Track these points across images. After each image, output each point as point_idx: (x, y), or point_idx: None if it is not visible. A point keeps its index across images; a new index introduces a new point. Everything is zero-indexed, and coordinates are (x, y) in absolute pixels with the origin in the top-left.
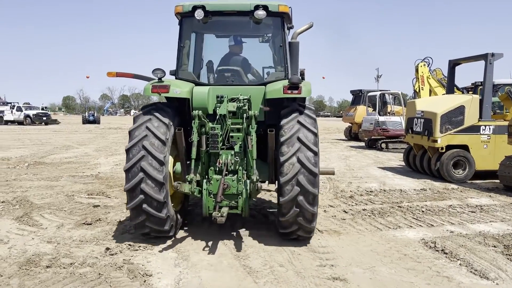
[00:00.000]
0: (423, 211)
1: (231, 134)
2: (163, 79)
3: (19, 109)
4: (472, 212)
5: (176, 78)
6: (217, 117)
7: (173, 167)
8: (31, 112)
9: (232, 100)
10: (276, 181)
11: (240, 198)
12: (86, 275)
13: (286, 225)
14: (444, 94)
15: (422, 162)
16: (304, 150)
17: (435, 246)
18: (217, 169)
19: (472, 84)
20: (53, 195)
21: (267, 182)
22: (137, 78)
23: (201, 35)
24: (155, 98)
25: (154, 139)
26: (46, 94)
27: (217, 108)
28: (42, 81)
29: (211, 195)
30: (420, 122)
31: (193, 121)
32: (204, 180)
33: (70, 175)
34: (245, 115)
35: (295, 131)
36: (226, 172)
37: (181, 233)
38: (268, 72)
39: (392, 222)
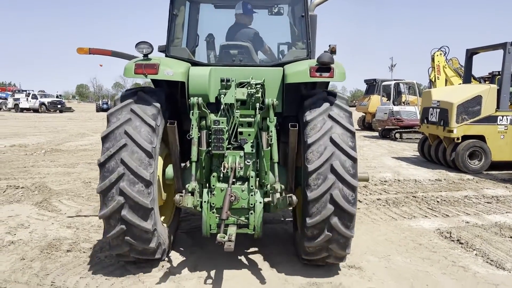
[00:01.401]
0: (438, 202)
1: (239, 130)
2: (149, 56)
3: (34, 96)
4: (488, 203)
5: (166, 56)
6: (222, 107)
7: (163, 171)
8: (46, 100)
9: (241, 85)
10: (298, 192)
11: (252, 213)
12: (106, 259)
13: (312, 251)
14: (460, 83)
15: (437, 153)
16: (340, 155)
17: (450, 236)
18: (222, 175)
19: (489, 73)
20: (70, 182)
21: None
22: (117, 56)
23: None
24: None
25: (140, 123)
26: (60, 82)
27: (222, 96)
28: (56, 69)
29: (214, 210)
30: (436, 112)
31: (191, 111)
32: (205, 190)
33: (86, 162)
34: (257, 104)
35: (327, 130)
36: (234, 180)
37: (176, 254)
38: (283, 50)
39: (407, 212)
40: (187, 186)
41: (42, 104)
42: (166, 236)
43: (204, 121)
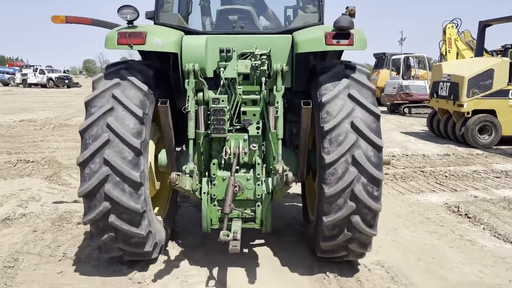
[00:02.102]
0: (446, 176)
1: (243, 109)
2: (135, 23)
3: (42, 72)
4: (497, 177)
5: (155, 24)
6: (222, 83)
7: (155, 157)
8: (53, 75)
9: (243, 56)
10: (310, 178)
11: (258, 206)
12: None
13: (329, 250)
14: (472, 57)
15: (446, 127)
16: (363, 144)
17: (458, 210)
18: (223, 162)
19: (502, 46)
20: None
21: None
22: (97, 25)
23: None
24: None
25: (125, 113)
26: (66, 57)
27: (221, 70)
28: (62, 44)
29: (215, 203)
30: (446, 86)
31: (186, 81)
32: (204, 180)
33: None
34: (263, 78)
35: (347, 114)
36: (237, 167)
37: (173, 250)
38: (290, 15)
39: (414, 187)
40: (184, 167)
41: (49, 79)
42: (163, 232)
43: (202, 95)
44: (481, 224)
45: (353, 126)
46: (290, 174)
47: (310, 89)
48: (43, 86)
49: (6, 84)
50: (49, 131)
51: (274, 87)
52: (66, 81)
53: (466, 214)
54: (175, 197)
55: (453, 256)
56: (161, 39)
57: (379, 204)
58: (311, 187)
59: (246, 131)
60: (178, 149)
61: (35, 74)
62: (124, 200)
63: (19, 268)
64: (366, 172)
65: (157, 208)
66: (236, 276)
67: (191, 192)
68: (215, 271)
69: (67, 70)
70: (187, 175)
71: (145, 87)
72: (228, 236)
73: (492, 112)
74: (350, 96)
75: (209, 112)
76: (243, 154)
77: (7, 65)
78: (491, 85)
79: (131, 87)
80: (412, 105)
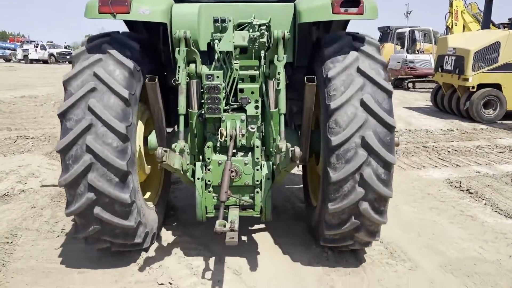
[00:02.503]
0: (449, 151)
1: (240, 86)
2: None
3: (43, 47)
4: (500, 152)
5: None
6: (216, 57)
7: (144, 139)
8: (55, 51)
9: (240, 27)
10: (313, 160)
11: (258, 192)
12: None
13: (333, 239)
14: (478, 30)
15: (451, 102)
16: (374, 124)
17: (460, 186)
18: (219, 145)
19: (509, 19)
20: None
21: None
22: None
23: None
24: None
25: (108, 95)
26: (67, 32)
27: (216, 42)
28: (63, 19)
29: (210, 189)
30: (452, 59)
31: (177, 49)
32: (198, 164)
33: None
34: (262, 52)
35: (356, 90)
36: (234, 151)
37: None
38: None
39: (416, 162)
40: (173, 145)
41: (51, 55)
42: (154, 220)
43: (194, 68)
44: (483, 199)
45: (363, 104)
46: (297, 149)
47: (313, 64)
48: (45, 62)
49: (7, 60)
50: (50, 107)
51: (275, 56)
52: (68, 57)
53: (467, 190)
54: (167, 181)
55: (453, 232)
56: (148, 8)
57: (390, 189)
58: (314, 170)
59: (244, 110)
60: (170, 130)
61: (36, 49)
62: (110, 190)
63: (17, 244)
64: (377, 155)
65: (148, 194)
66: (238, 257)
67: (181, 172)
68: (210, 261)
69: (68, 46)
70: (177, 153)
71: (130, 63)
72: (224, 226)
73: (498, 86)
74: (359, 71)
75: (202, 90)
76: (240, 136)
77: (8, 41)
78: (497, 59)
79: (115, 64)
80: (416, 79)
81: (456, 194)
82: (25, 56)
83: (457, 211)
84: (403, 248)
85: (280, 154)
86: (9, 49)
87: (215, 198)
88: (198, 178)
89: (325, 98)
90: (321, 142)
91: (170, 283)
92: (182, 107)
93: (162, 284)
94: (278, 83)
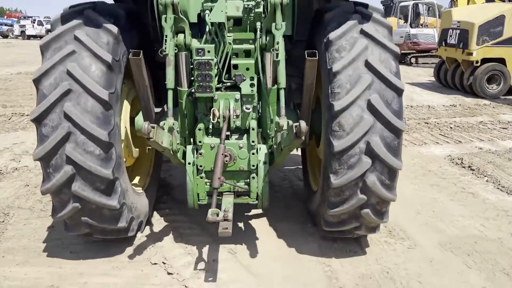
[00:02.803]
0: (451, 128)
1: (233, 62)
2: None
3: (40, 23)
4: (503, 128)
5: None
6: (207, 29)
7: (131, 120)
8: None
9: None
10: (313, 142)
11: (253, 178)
12: None
13: (337, 220)
14: (483, 3)
15: (454, 77)
16: (380, 86)
17: (461, 162)
18: (211, 127)
19: None
20: None
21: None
22: None
23: None
24: None
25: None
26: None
27: (207, 13)
28: None
29: (202, 175)
30: (456, 33)
31: (164, 17)
32: (189, 148)
33: None
34: (258, 24)
35: (360, 51)
36: (228, 133)
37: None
38: None
39: (417, 139)
40: (162, 123)
41: (48, 31)
42: (142, 206)
43: (183, 39)
44: (485, 176)
45: (368, 66)
46: (303, 123)
47: (314, 38)
48: (42, 37)
49: (5, 36)
50: None
51: (273, 25)
52: None
53: (469, 166)
54: (157, 166)
55: (453, 209)
56: None
57: (394, 193)
58: (314, 153)
59: (238, 89)
60: (158, 110)
61: (33, 25)
62: (90, 163)
63: (9, 222)
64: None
65: (137, 179)
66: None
67: (171, 152)
68: (204, 249)
69: None
70: (165, 131)
71: (115, 29)
72: (217, 215)
73: (502, 61)
74: (363, 32)
75: (192, 66)
76: (234, 117)
77: (5, 17)
78: (502, 32)
79: (98, 29)
80: (420, 54)
81: (458, 171)
82: (22, 32)
83: (458, 188)
84: (402, 226)
85: (281, 132)
86: (6, 25)
87: (208, 184)
88: (189, 163)
89: (327, 62)
90: (323, 141)
91: (164, 263)
92: (170, 81)
93: (155, 263)
94: (277, 54)
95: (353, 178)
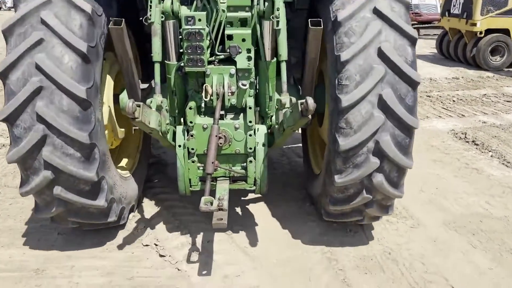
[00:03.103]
0: (454, 101)
1: (228, 32)
2: None
3: None
4: (507, 101)
5: None
6: None
7: (115, 97)
8: None
9: None
10: (315, 123)
11: (251, 161)
12: None
13: (339, 213)
14: None
15: (457, 49)
16: (394, 79)
17: (465, 137)
18: (203, 105)
19: None
20: None
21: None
22: None
23: None
24: None
25: (61, 48)
26: None
27: None
28: None
29: (194, 158)
30: (459, 3)
31: None
32: (178, 129)
33: None
34: None
35: (373, 36)
36: (222, 112)
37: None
38: None
39: (419, 113)
40: (149, 101)
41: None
42: (131, 192)
43: (170, 6)
44: (489, 151)
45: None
46: (311, 100)
47: (317, 5)
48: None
49: None
50: None
51: None
52: None
53: (473, 141)
54: (147, 144)
55: (457, 186)
56: None
57: (401, 190)
58: (315, 133)
59: (233, 62)
60: (145, 86)
61: None
62: (71, 168)
63: None
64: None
65: (123, 161)
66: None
67: (159, 133)
68: (198, 235)
69: None
70: (153, 109)
71: (88, 6)
72: (211, 204)
73: (506, 32)
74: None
75: (181, 37)
76: (229, 94)
77: None
78: (507, 2)
79: (68, 7)
80: (421, 26)
81: (461, 146)
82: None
83: (462, 163)
84: (404, 205)
85: (282, 110)
86: None
87: (201, 169)
88: (180, 146)
89: (334, 47)
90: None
91: (156, 244)
92: (156, 53)
93: (147, 245)
94: (277, 22)
95: (359, 178)
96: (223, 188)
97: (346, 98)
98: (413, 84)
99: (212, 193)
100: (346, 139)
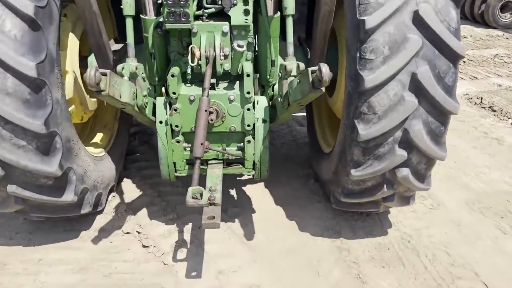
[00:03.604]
0: (464, 62)
1: None
2: None
3: None
4: None
5: None
6: None
7: (82, 60)
8: None
9: None
10: (325, 97)
11: (249, 141)
12: None
13: (351, 205)
14: None
15: (464, 6)
16: (432, 52)
17: (481, 102)
18: (190, 71)
19: None
20: None
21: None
22: None
23: None
24: None
25: (2, 13)
26: None
27: None
28: None
29: (179, 138)
30: None
31: None
32: (159, 101)
33: None
34: None
35: (410, 58)
36: (213, 81)
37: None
38: None
39: None
40: (120, 67)
41: None
42: (108, 175)
43: None
44: (509, 118)
45: (415, 82)
46: (326, 68)
47: None
48: None
49: None
50: None
51: None
52: None
53: (490, 107)
54: (126, 114)
55: (477, 159)
56: None
57: (444, 149)
58: (324, 104)
59: (227, 17)
60: (119, 46)
61: None
62: (25, 163)
63: None
64: (432, 102)
65: (98, 136)
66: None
67: (135, 108)
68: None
69: None
70: (125, 78)
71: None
72: (201, 196)
73: None
74: (417, 19)
75: None
76: (221, 57)
77: None
78: None
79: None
80: None
81: (477, 112)
82: None
83: (480, 133)
84: None
85: (287, 79)
86: None
87: (188, 150)
88: (161, 122)
89: (356, 59)
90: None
91: (138, 232)
92: (128, 4)
93: (128, 233)
94: None
95: (380, 172)
96: (215, 175)
97: (371, 77)
98: (455, 58)
99: (202, 178)
100: (368, 127)
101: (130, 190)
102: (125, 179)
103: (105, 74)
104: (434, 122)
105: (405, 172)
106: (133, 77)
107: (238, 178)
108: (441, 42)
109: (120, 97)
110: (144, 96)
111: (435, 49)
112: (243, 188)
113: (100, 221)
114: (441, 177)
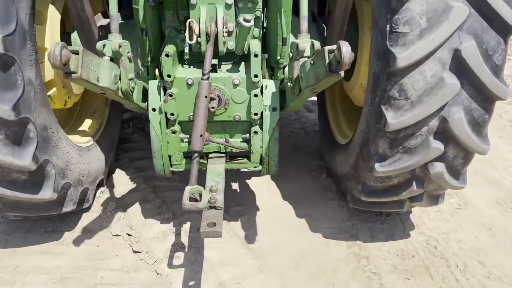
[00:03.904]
0: None
1: None
2: None
3: None
4: None
5: None
6: None
7: (63, 36)
8: None
9: None
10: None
11: (256, 132)
12: None
13: (371, 205)
14: None
15: None
16: (480, 24)
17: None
18: (187, 51)
19: None
20: None
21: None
22: None
23: None
24: None
25: None
26: None
27: None
28: None
29: (175, 128)
30: None
31: None
32: (152, 85)
33: None
34: None
35: (452, 31)
36: (215, 62)
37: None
38: None
39: None
40: (100, 44)
41: None
42: (96, 166)
43: None
44: None
45: (458, 61)
46: (347, 47)
47: None
48: None
49: None
50: None
51: None
52: None
53: None
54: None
55: (505, 151)
56: None
57: (486, 142)
58: (338, 89)
59: None
60: (107, 21)
61: None
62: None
63: None
64: (478, 85)
65: (86, 124)
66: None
67: (119, 94)
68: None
69: None
70: (106, 57)
71: None
72: (200, 197)
73: None
74: None
75: None
76: (225, 34)
77: None
78: None
79: None
80: None
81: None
82: None
83: (506, 121)
84: None
85: (299, 60)
86: None
87: (185, 142)
88: (154, 110)
89: (385, 32)
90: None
91: (129, 234)
92: None
93: (117, 235)
94: None
95: (410, 167)
96: (216, 171)
97: (404, 55)
98: (507, 31)
99: (202, 173)
100: (399, 114)
101: (121, 184)
102: (116, 172)
103: (76, 53)
104: (478, 109)
105: (439, 167)
106: (116, 56)
107: (241, 170)
108: (490, 11)
109: (98, 80)
110: (130, 79)
111: (483, 20)
112: (247, 181)
113: (86, 220)
114: (468, 171)
